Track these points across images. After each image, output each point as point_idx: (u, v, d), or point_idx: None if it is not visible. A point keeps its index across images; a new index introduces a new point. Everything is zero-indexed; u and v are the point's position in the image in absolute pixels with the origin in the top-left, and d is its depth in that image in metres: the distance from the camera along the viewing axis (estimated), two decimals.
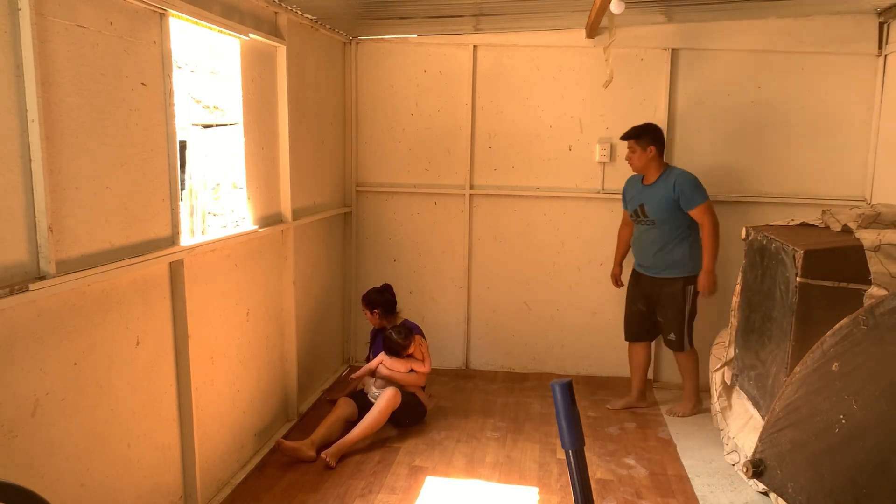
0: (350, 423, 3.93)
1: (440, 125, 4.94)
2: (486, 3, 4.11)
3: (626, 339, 4.52)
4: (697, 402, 4.39)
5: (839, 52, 4.56)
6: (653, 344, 4.82)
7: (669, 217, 4.12)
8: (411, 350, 4.15)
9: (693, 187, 4.07)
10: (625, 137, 4.18)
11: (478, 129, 4.92)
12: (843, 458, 2.47)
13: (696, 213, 4.08)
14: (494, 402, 4.56)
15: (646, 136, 4.13)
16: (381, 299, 4.33)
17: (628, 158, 4.20)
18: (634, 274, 4.41)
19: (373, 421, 3.83)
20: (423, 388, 4.26)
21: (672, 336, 4.26)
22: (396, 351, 4.12)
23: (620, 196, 4.57)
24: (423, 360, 4.18)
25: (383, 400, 3.89)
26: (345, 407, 3.97)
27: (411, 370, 4.14)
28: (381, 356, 4.15)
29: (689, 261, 4.16)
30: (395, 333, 4.14)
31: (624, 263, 4.57)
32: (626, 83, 4.73)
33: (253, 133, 3.59)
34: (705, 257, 4.09)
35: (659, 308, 4.29)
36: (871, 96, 4.57)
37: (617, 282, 4.59)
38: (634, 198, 4.27)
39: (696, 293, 4.22)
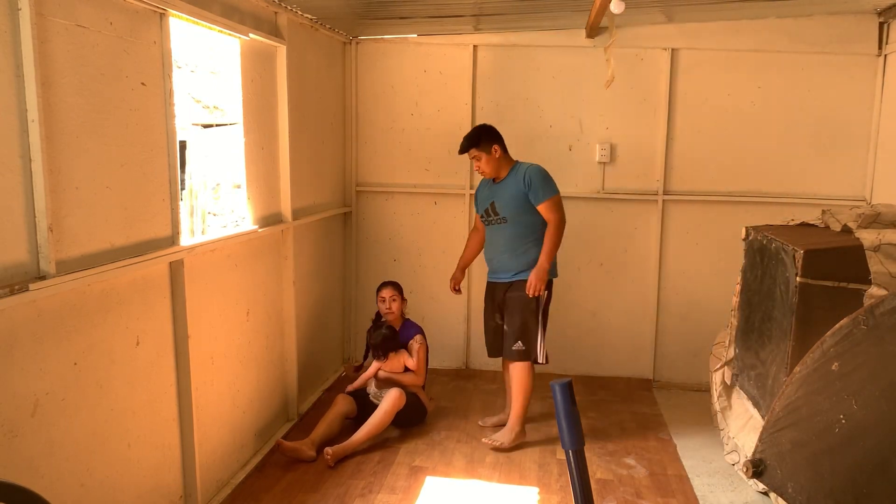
0: (349, 420, 3.93)
1: (440, 125, 4.94)
2: (486, 3, 4.11)
3: (490, 356, 4.15)
4: (522, 430, 3.91)
5: (839, 52, 4.56)
6: (654, 343, 4.84)
7: (521, 213, 3.82)
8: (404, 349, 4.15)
9: (542, 180, 3.80)
10: (463, 150, 3.90)
11: None
12: (843, 458, 2.47)
13: (543, 208, 3.79)
14: (494, 403, 4.56)
15: (485, 139, 3.85)
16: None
17: (477, 168, 3.92)
18: (489, 286, 4.06)
19: (378, 422, 3.82)
20: (423, 387, 4.25)
21: (519, 345, 3.82)
22: (391, 347, 4.09)
23: (615, 196, 4.60)
24: (412, 357, 4.11)
25: (388, 401, 3.88)
26: (343, 403, 3.96)
27: (406, 369, 4.13)
28: (375, 364, 4.13)
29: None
30: (375, 332, 4.12)
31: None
32: (626, 83, 4.72)
33: (253, 133, 3.59)
34: (543, 254, 3.78)
35: (506, 313, 3.90)
36: (871, 96, 4.57)
37: (456, 287, 4.20)
38: (486, 197, 3.97)
39: (549, 300, 3.93)
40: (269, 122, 3.76)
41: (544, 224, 3.84)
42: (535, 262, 3.81)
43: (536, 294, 3.78)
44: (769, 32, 4.59)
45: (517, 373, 3.87)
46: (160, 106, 2.74)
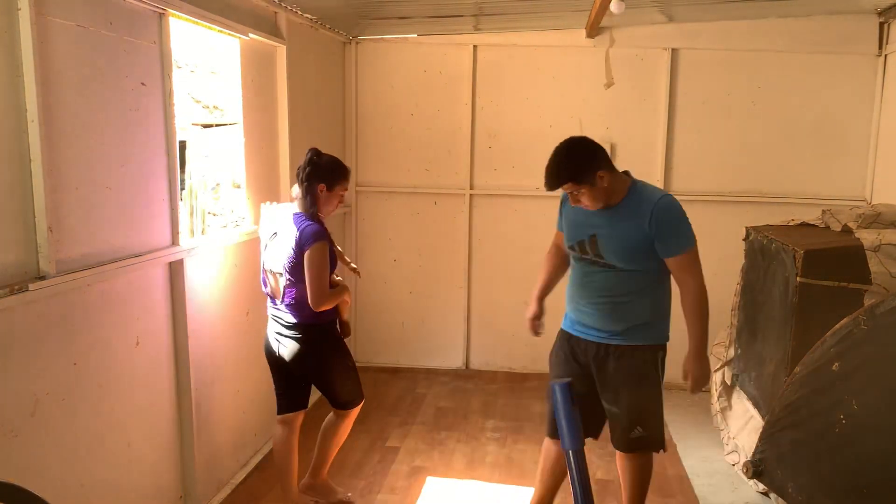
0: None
1: (440, 125, 4.94)
2: (486, 3, 4.11)
3: (550, 435, 2.87)
4: None
5: (839, 52, 4.56)
6: None
7: (636, 260, 2.60)
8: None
9: (680, 222, 2.59)
10: (556, 186, 2.58)
11: (478, 129, 4.92)
12: (844, 458, 2.47)
13: (676, 263, 2.59)
14: (494, 402, 4.56)
15: (585, 168, 2.54)
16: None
17: (578, 204, 2.61)
18: (566, 340, 2.83)
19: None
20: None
21: (639, 431, 2.68)
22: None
23: None
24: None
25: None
26: None
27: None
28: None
29: (660, 320, 2.68)
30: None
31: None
32: (627, 83, 4.72)
33: (253, 133, 3.59)
34: (695, 333, 2.59)
35: (616, 391, 2.68)
36: (871, 96, 4.57)
37: (537, 328, 3.00)
38: (582, 222, 2.68)
39: (664, 368, 2.71)
40: (269, 122, 3.76)
41: (663, 271, 2.64)
42: (646, 319, 2.64)
43: (700, 389, 2.66)
44: (769, 32, 4.59)
45: (638, 468, 2.77)
46: (160, 106, 2.74)
